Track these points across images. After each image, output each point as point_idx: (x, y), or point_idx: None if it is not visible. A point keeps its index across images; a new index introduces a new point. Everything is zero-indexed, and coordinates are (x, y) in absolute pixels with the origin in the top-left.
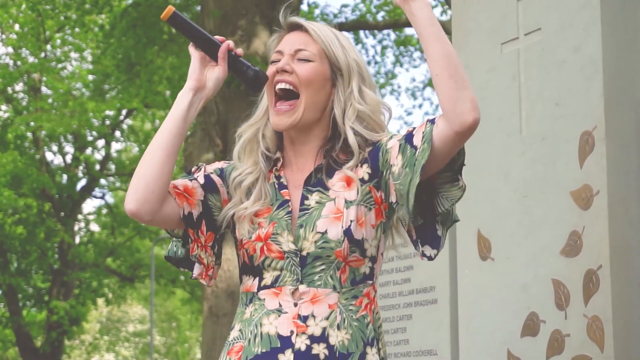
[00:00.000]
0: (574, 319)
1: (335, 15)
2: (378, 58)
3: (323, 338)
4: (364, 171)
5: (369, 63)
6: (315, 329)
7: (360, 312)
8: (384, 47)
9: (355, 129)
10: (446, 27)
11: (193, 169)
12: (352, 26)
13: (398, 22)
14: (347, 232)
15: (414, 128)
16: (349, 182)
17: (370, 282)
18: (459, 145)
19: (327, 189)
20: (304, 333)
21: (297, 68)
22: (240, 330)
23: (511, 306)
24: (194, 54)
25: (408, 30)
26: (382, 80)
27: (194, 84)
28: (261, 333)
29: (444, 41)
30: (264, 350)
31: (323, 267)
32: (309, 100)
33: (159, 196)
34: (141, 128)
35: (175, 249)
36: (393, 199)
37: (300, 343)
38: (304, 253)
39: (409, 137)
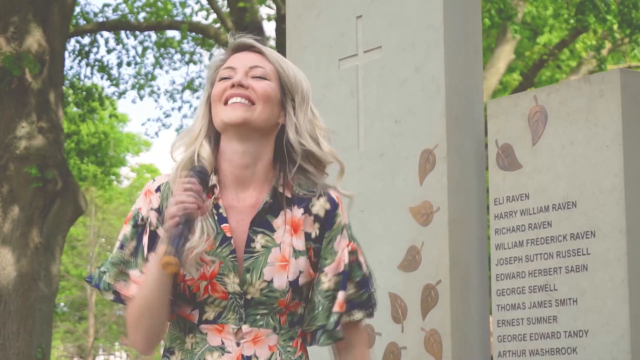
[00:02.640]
0: (410, 332)
1: (95, 14)
2: (138, 59)
3: None
4: (315, 228)
5: (128, 64)
6: None
7: (297, 353)
8: (145, 49)
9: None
10: (211, 32)
11: (139, 224)
12: (114, 26)
13: (160, 24)
14: (293, 283)
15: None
16: (295, 228)
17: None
18: None
19: (272, 230)
20: None
21: (253, 84)
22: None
23: None
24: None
25: (169, 32)
26: (142, 82)
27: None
28: None
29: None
30: None
31: (265, 311)
32: (262, 111)
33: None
34: None
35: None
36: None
37: None
38: (248, 297)
39: (349, 273)
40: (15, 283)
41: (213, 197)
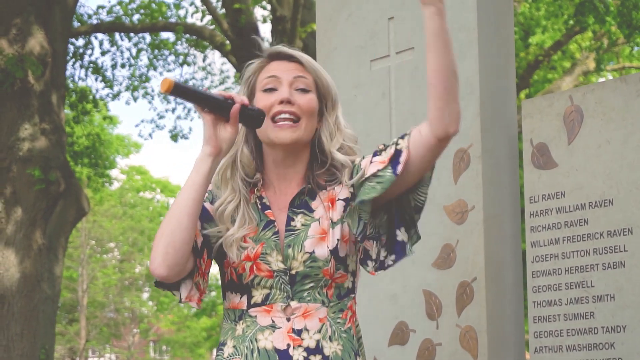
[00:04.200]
0: (446, 328)
1: (90, 16)
2: (133, 61)
3: (318, 350)
4: (348, 190)
5: (122, 66)
6: (310, 341)
7: (346, 325)
8: (139, 50)
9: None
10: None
11: None
12: (108, 28)
13: (155, 26)
14: (334, 251)
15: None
16: (332, 202)
17: (353, 295)
18: (439, 152)
19: (311, 210)
20: (300, 346)
21: (298, 99)
22: (234, 346)
23: (379, 315)
24: (205, 117)
25: (164, 34)
26: (136, 83)
27: (211, 150)
28: (258, 348)
29: (446, 53)
30: None
31: (312, 284)
32: (307, 126)
33: (187, 257)
34: None
35: None
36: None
37: (298, 355)
38: (293, 272)
39: (376, 152)
40: (19, 284)
41: (256, 190)
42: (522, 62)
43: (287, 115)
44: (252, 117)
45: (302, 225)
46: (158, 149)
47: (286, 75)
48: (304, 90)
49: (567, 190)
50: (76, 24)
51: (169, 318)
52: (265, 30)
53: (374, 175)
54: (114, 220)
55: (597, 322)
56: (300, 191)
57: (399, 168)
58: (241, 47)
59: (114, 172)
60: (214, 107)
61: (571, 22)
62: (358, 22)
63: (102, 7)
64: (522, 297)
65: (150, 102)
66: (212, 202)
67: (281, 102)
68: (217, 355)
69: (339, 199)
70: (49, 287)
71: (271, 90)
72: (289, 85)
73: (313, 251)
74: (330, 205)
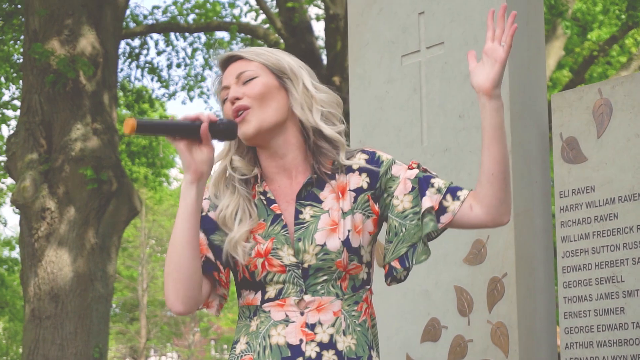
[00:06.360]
0: (477, 325)
1: (145, 17)
2: (188, 60)
3: (331, 344)
4: (363, 180)
5: (178, 66)
6: (323, 336)
7: (361, 317)
8: (195, 50)
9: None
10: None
11: None
12: (163, 28)
13: (209, 25)
14: (346, 242)
15: (426, 174)
16: (342, 191)
17: (368, 287)
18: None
19: (319, 201)
20: (313, 341)
21: (245, 90)
22: (247, 343)
23: (411, 312)
24: (177, 145)
25: (219, 34)
26: (191, 83)
27: (192, 177)
28: (270, 344)
29: (505, 144)
30: None
31: (325, 277)
32: (262, 109)
33: (199, 288)
34: None
35: None
36: (383, 222)
37: (311, 351)
38: (306, 265)
39: (423, 184)
40: (72, 284)
41: (258, 186)
42: (579, 58)
43: (239, 112)
44: (223, 131)
45: (312, 217)
46: (216, 147)
47: (230, 77)
48: (250, 80)
49: (597, 185)
50: (132, 24)
51: (229, 317)
52: (319, 28)
53: (428, 211)
54: (173, 219)
55: (627, 318)
56: (306, 182)
57: (439, 225)
58: (295, 45)
59: (173, 172)
60: (183, 133)
61: (624, 17)
62: (389, 17)
63: (157, 7)
64: (554, 293)
65: (206, 102)
66: (215, 210)
67: (232, 104)
68: (230, 354)
69: (350, 190)
70: (102, 286)
71: (227, 99)
72: (236, 85)
73: (324, 243)
74: (340, 195)
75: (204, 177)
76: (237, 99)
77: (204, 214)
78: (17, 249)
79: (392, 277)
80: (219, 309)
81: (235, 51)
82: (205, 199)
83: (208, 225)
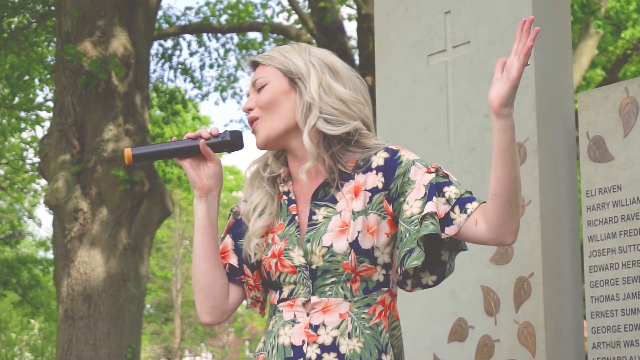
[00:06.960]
0: (504, 324)
1: (178, 18)
2: (220, 61)
3: (333, 347)
4: (378, 179)
5: (211, 66)
6: (325, 338)
7: (373, 320)
8: (227, 51)
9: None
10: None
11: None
12: (196, 29)
13: (242, 26)
14: (354, 244)
15: (442, 180)
16: (356, 191)
17: (386, 288)
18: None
19: (335, 202)
20: (314, 342)
21: (257, 99)
22: (264, 341)
23: (438, 312)
24: (183, 164)
25: (251, 34)
26: (224, 84)
27: (200, 193)
28: (277, 344)
29: (514, 166)
30: None
31: (333, 279)
32: (271, 119)
33: (223, 298)
34: None
35: None
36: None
37: (311, 352)
38: (314, 267)
39: (433, 190)
40: (105, 284)
41: (282, 186)
42: (612, 57)
43: (252, 124)
44: (225, 143)
45: (324, 218)
46: (249, 148)
47: (250, 86)
48: (262, 87)
49: (624, 184)
50: (164, 25)
51: (263, 317)
52: (351, 28)
53: (429, 215)
54: None
55: None
56: (322, 183)
57: (442, 235)
58: (327, 45)
59: None
60: (184, 153)
61: None
62: (415, 17)
63: (190, 8)
64: (581, 293)
65: (238, 102)
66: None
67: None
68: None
69: (365, 189)
70: (135, 287)
71: None
72: (252, 93)
73: (331, 245)
74: (353, 196)
75: (213, 191)
76: (250, 109)
77: (239, 218)
78: (52, 250)
79: (414, 283)
80: (260, 309)
81: (254, 57)
82: (243, 201)
83: (238, 229)
